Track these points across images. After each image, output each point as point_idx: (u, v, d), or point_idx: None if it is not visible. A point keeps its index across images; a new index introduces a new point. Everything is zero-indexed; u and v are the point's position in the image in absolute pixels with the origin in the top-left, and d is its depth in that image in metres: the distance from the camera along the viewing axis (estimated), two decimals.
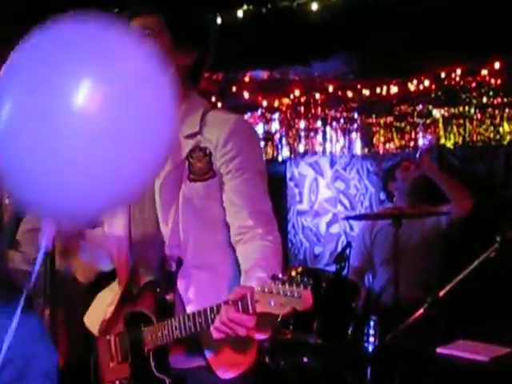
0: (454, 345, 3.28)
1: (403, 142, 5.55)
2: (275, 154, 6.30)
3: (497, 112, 5.00)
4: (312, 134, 6.09)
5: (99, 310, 2.40)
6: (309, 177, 6.12)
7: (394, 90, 5.49)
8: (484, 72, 4.99)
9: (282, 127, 6.24)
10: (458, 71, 5.09)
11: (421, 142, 5.39)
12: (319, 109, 5.99)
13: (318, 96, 5.96)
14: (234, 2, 3.91)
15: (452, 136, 5.22)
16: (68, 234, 2.20)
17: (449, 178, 4.49)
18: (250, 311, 1.94)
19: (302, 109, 6.08)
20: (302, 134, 6.14)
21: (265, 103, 6.24)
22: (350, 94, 5.75)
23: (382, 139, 5.67)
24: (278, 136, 6.28)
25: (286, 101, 6.17)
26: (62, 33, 1.68)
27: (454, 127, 5.20)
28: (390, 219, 4.11)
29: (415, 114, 5.43)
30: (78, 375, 2.49)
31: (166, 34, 2.22)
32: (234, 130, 2.21)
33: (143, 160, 1.59)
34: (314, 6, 3.76)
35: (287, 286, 1.88)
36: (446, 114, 5.25)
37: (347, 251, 3.98)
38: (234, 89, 5.71)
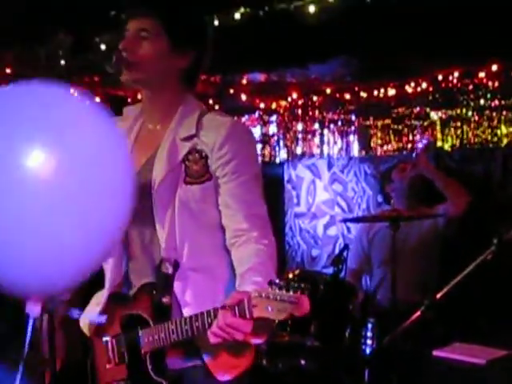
0: (451, 347, 3.27)
1: (401, 145, 5.55)
2: (273, 156, 6.30)
3: (494, 114, 5.00)
4: (309, 136, 6.08)
5: (91, 312, 2.39)
6: (306, 179, 6.12)
7: (391, 92, 5.49)
8: (481, 74, 4.99)
9: (280, 129, 6.24)
10: (456, 73, 5.09)
11: (420, 145, 5.39)
12: (317, 111, 5.99)
13: (315, 98, 5.96)
14: (232, 4, 3.91)
15: (449, 138, 5.22)
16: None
17: (445, 177, 4.51)
18: (247, 316, 1.94)
19: (300, 111, 6.08)
20: (300, 136, 6.14)
21: (262, 105, 6.24)
22: (347, 96, 5.75)
23: (379, 141, 5.67)
24: (275, 138, 6.28)
25: (283, 103, 6.17)
26: (18, 98, 1.66)
27: (452, 129, 5.21)
28: (387, 222, 4.12)
29: (413, 116, 5.43)
30: (76, 377, 2.48)
31: (162, 37, 2.22)
32: (230, 133, 2.21)
33: (97, 227, 1.57)
34: (312, 9, 3.76)
35: (284, 292, 1.88)
36: (444, 116, 5.25)
37: (345, 253, 3.98)
38: (231, 91, 5.70)
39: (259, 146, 6.27)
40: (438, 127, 5.27)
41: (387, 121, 5.59)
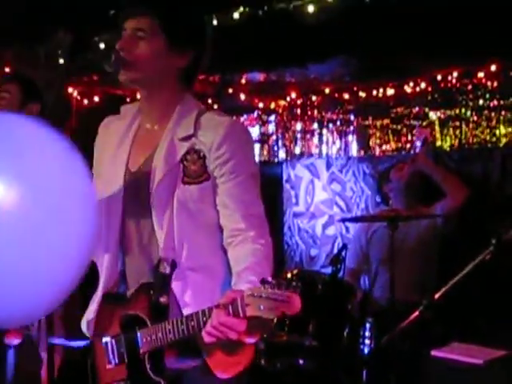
0: (449, 347, 3.27)
1: (399, 144, 5.55)
2: (271, 155, 6.30)
3: (493, 114, 5.00)
4: (308, 136, 6.08)
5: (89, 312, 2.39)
6: (305, 179, 6.11)
7: (390, 92, 5.49)
8: (480, 74, 4.99)
9: (279, 129, 6.24)
10: (455, 73, 5.10)
11: (417, 142, 5.39)
12: (315, 111, 5.99)
13: (314, 98, 5.96)
14: (231, 3, 3.91)
15: (448, 138, 5.22)
16: None
17: (444, 171, 4.53)
18: (241, 315, 1.95)
19: (299, 111, 6.08)
20: (299, 135, 6.14)
21: (261, 105, 6.24)
22: (346, 96, 5.75)
23: (378, 141, 5.67)
24: (274, 138, 6.28)
25: (282, 103, 6.17)
26: None
27: (451, 129, 5.21)
28: (386, 221, 4.12)
29: (411, 116, 5.43)
30: (76, 378, 2.49)
31: (159, 37, 2.22)
32: (228, 132, 2.21)
33: (64, 255, 1.55)
34: (311, 8, 3.76)
35: (276, 290, 1.88)
36: (443, 116, 5.25)
37: (343, 253, 3.98)
38: (230, 91, 5.71)
39: (258, 146, 6.27)
40: (437, 127, 5.27)
41: (386, 121, 5.59)
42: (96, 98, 5.77)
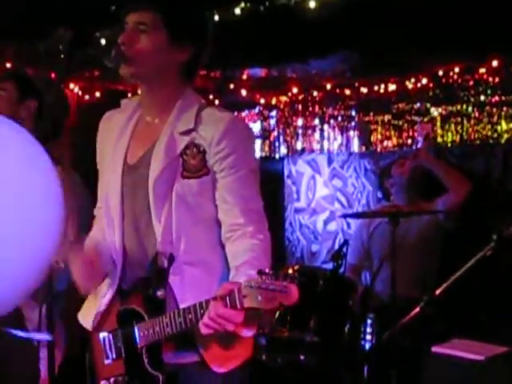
0: (450, 344, 3.27)
1: (401, 140, 5.54)
2: (273, 151, 6.29)
3: (494, 110, 4.99)
4: (310, 131, 6.08)
5: (92, 305, 2.39)
6: (306, 174, 6.12)
7: (391, 87, 5.48)
8: (482, 70, 4.99)
9: (280, 125, 6.23)
10: (456, 69, 5.09)
11: (419, 137, 5.38)
12: (317, 106, 5.99)
13: (315, 94, 5.95)
14: None
15: (450, 134, 5.21)
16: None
17: (445, 165, 4.52)
18: (238, 306, 1.95)
19: (300, 106, 6.08)
20: (300, 131, 6.13)
21: (262, 101, 6.24)
22: (347, 91, 5.74)
23: (379, 137, 5.66)
24: (275, 133, 6.28)
25: (283, 98, 6.17)
26: None
27: (452, 125, 5.20)
28: (387, 217, 4.12)
29: (413, 111, 5.43)
30: (76, 372, 2.49)
31: (161, 31, 2.22)
32: (228, 128, 2.22)
33: (28, 254, 1.54)
34: (312, 4, 3.75)
35: (274, 281, 1.89)
36: (444, 112, 5.25)
37: (344, 249, 3.98)
38: (231, 86, 5.70)
39: (259, 142, 6.27)
40: (439, 123, 5.26)
41: (387, 116, 5.58)
42: (97, 94, 5.77)
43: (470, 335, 3.38)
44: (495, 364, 3.06)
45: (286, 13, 3.82)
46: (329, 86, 5.75)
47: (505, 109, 4.95)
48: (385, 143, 5.63)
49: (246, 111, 6.28)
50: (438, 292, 2.99)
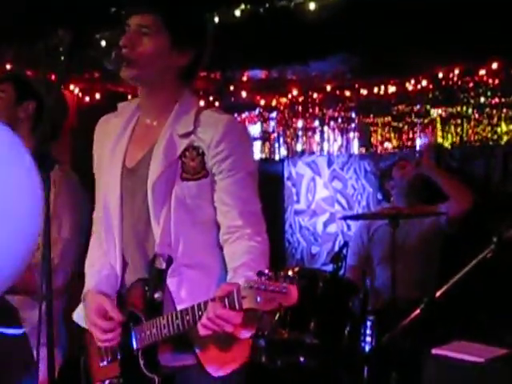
0: (450, 346, 3.27)
1: (401, 142, 5.54)
2: (272, 153, 6.29)
3: (494, 112, 5.00)
4: (310, 133, 6.08)
5: None
6: (306, 176, 6.11)
7: (391, 89, 5.48)
8: (482, 72, 4.99)
9: (280, 126, 6.23)
10: (456, 71, 5.09)
11: (418, 141, 5.39)
12: (317, 108, 5.98)
13: (315, 95, 5.95)
14: (232, 1, 3.90)
15: (449, 136, 5.21)
16: None
17: (448, 176, 4.51)
18: (237, 307, 1.95)
19: (300, 108, 6.07)
20: (300, 133, 6.13)
21: (262, 102, 6.23)
22: (347, 93, 5.74)
23: (379, 139, 5.66)
24: (275, 135, 6.27)
25: (283, 100, 6.16)
26: None
27: (452, 127, 5.20)
28: (387, 219, 4.12)
29: (413, 113, 5.43)
30: (77, 373, 2.48)
31: (163, 34, 2.22)
32: (227, 130, 2.22)
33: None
34: (312, 6, 3.75)
35: (273, 282, 1.88)
36: (444, 113, 5.25)
37: (344, 251, 3.97)
38: (231, 88, 5.70)
39: (259, 143, 6.27)
40: (438, 125, 5.27)
41: (387, 118, 5.59)
42: (97, 96, 5.77)
43: (470, 337, 3.38)
44: (495, 366, 3.05)
45: (286, 14, 3.82)
46: (329, 88, 5.75)
47: (505, 110, 4.95)
48: (385, 145, 5.63)
49: (246, 113, 6.28)
50: (438, 294, 2.98)
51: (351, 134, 5.84)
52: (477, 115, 5.08)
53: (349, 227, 5.71)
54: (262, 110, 6.28)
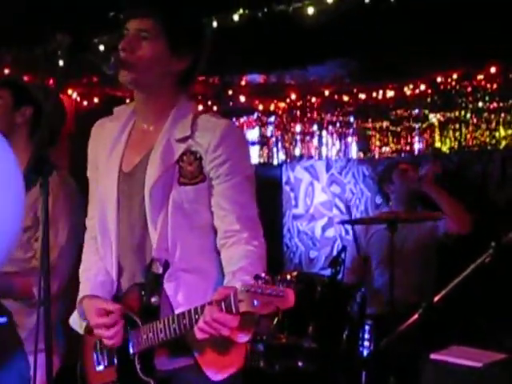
0: (448, 350, 3.27)
1: (399, 147, 5.55)
2: (271, 157, 6.29)
3: (493, 117, 5.00)
4: (308, 137, 6.08)
5: None
6: (304, 181, 6.12)
7: (390, 94, 5.49)
8: (480, 77, 5.00)
9: (278, 131, 6.24)
10: (454, 76, 5.10)
11: (416, 146, 5.39)
12: (315, 113, 5.99)
13: (314, 100, 5.96)
14: (230, 5, 3.91)
15: (448, 140, 5.22)
16: None
17: (448, 197, 4.46)
18: (234, 311, 1.95)
19: (298, 113, 6.08)
20: (298, 137, 6.14)
21: (261, 107, 6.24)
22: (346, 98, 5.75)
23: (377, 143, 5.67)
24: (273, 140, 6.28)
25: (282, 105, 6.17)
26: None
27: (450, 132, 5.21)
28: (385, 224, 4.11)
29: (411, 118, 5.44)
30: (73, 378, 2.48)
31: (161, 39, 2.21)
32: (224, 135, 2.21)
33: None
34: (310, 10, 3.75)
35: (270, 286, 1.88)
36: (442, 118, 5.26)
37: (342, 255, 3.98)
38: (230, 92, 5.70)
39: (257, 148, 6.28)
40: (437, 129, 5.27)
41: (386, 123, 5.59)
42: (96, 100, 5.77)
43: (468, 342, 3.38)
44: (493, 371, 3.05)
45: (285, 19, 3.83)
46: (327, 93, 5.76)
47: (503, 115, 4.96)
48: (383, 149, 5.64)
49: (245, 117, 6.29)
50: (436, 299, 2.98)
51: (349, 139, 5.84)
52: (475, 120, 5.08)
53: (347, 232, 5.71)
54: (260, 115, 6.29)
